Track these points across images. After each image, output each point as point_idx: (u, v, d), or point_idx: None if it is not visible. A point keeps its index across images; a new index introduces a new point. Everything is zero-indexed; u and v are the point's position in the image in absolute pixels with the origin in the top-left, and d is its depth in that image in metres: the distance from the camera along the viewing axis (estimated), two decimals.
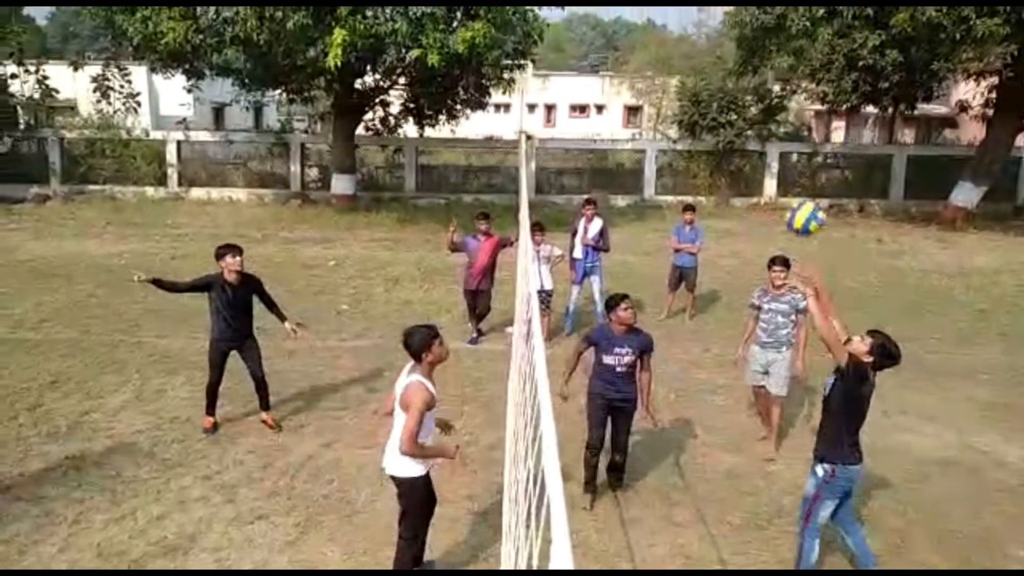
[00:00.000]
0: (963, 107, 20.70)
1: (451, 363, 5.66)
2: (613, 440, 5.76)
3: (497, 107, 31.96)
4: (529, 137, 19.12)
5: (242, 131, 23.46)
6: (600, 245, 9.57)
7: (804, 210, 6.26)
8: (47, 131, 21.06)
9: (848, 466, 4.49)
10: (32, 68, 20.45)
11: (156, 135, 21.44)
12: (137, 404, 7.28)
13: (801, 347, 6.48)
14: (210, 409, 6.73)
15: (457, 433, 5.43)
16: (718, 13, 33.01)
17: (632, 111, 41.30)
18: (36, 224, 16.90)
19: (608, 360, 5.60)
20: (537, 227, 8.77)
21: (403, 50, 14.38)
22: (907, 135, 29.39)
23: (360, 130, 20.38)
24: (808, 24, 16.61)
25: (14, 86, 20.63)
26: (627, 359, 5.57)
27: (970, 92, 20.30)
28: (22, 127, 21.29)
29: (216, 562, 4.88)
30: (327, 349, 8.95)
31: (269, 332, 7.49)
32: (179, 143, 21.16)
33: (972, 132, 23.72)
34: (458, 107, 20.32)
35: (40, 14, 54.39)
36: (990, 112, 19.31)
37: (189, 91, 19.45)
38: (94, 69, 21.14)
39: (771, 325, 6.49)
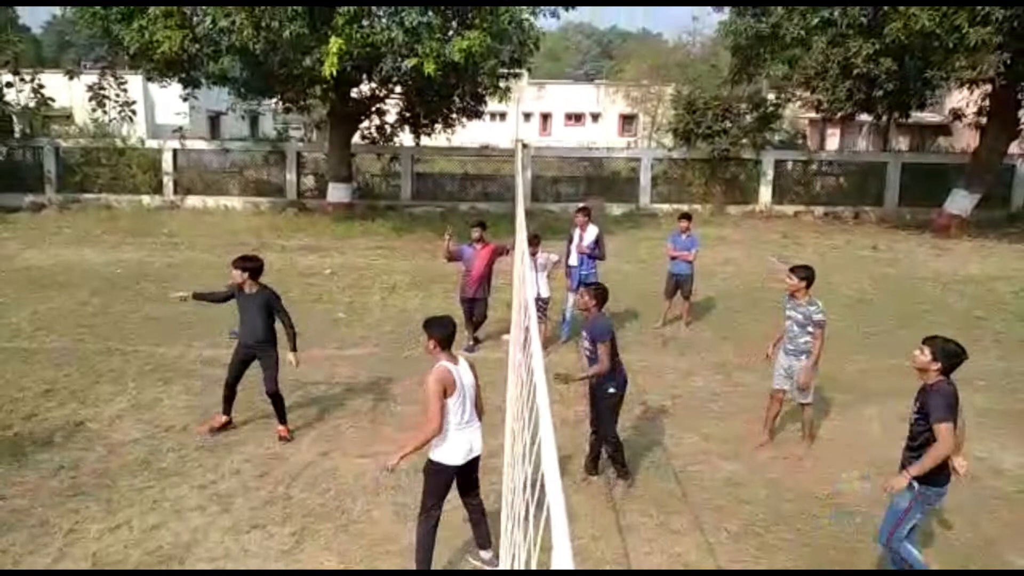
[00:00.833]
0: (957, 115, 20.79)
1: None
2: (594, 431, 6.16)
3: (493, 116, 31.97)
4: (525, 145, 19.14)
5: (238, 140, 23.42)
6: (596, 254, 9.56)
7: None
8: (43, 140, 21.05)
9: (942, 485, 4.60)
10: (28, 77, 20.52)
11: (152, 144, 21.45)
12: (133, 413, 7.25)
13: (814, 358, 6.48)
14: (224, 407, 6.87)
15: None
16: (712, 21, 33.18)
17: (627, 119, 41.48)
18: (32, 233, 16.86)
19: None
20: (534, 240, 8.79)
21: (399, 59, 14.43)
22: (901, 143, 29.51)
23: (356, 139, 20.42)
24: (803, 33, 16.70)
25: (10, 95, 20.61)
26: (585, 344, 6.01)
27: (964, 100, 20.39)
28: (18, 136, 21.25)
29: None
30: (324, 358, 8.93)
31: None
32: (175, 151, 21.19)
33: (966, 140, 23.83)
34: (454, 116, 20.39)
35: (36, 23, 54.46)
36: (983, 120, 19.40)
37: (185, 100, 19.44)
38: (90, 78, 21.10)
39: (790, 332, 6.59)
